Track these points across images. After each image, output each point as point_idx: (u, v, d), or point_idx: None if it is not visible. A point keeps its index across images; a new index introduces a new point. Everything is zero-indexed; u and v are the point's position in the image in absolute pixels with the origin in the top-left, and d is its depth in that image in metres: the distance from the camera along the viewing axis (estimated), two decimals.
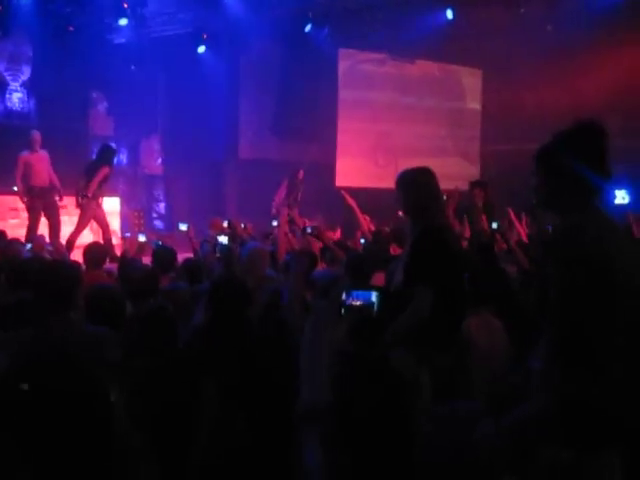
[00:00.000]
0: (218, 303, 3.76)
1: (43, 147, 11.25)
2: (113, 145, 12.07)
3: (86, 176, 10.43)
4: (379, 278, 5.47)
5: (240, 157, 15.27)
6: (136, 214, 13.80)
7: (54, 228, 10.76)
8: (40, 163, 10.90)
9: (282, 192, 14.14)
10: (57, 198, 10.94)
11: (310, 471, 1.57)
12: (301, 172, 14.22)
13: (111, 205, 13.02)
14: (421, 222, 3.82)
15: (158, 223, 15.65)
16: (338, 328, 1.68)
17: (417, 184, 3.97)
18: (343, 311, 1.73)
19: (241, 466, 2.51)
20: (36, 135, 10.95)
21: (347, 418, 1.53)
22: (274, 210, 14.07)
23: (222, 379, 2.95)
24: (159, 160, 16.08)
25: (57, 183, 10.95)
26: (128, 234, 12.23)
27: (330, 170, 15.28)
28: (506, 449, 1.84)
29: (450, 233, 4.02)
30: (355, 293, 1.75)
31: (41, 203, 10.80)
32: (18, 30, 13.24)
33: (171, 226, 14.94)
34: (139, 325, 3.21)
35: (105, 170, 10.46)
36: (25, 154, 10.83)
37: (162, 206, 16.03)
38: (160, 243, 6.64)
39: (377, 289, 1.84)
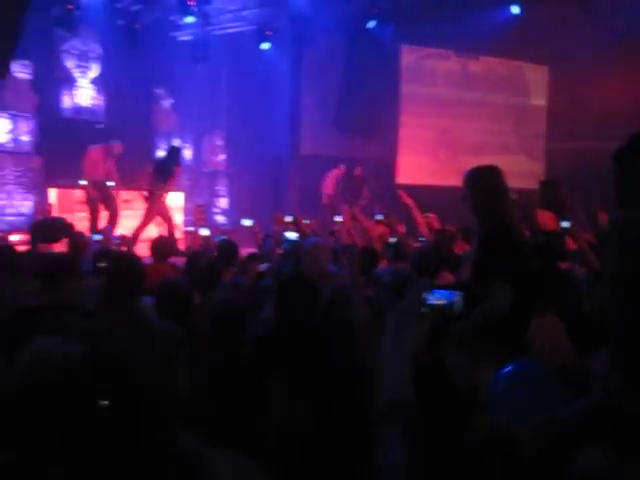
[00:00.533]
0: (287, 299, 3.78)
1: (110, 142, 11.69)
2: (179, 144, 12.37)
3: (156, 174, 10.69)
4: (445, 277, 5.43)
5: (301, 153, 15.33)
6: (199, 209, 13.96)
7: (112, 220, 11.16)
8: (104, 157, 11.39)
9: (329, 184, 14.21)
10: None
11: (391, 468, 1.57)
12: (358, 168, 14.22)
13: (175, 200, 13.25)
14: (489, 221, 3.78)
15: (220, 218, 15.82)
16: (419, 327, 1.67)
17: (485, 183, 3.92)
18: (424, 310, 1.72)
19: (310, 466, 2.51)
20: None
21: (428, 416, 1.54)
22: (325, 200, 14.14)
23: (291, 376, 2.96)
24: (222, 156, 16.25)
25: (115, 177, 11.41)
26: (191, 228, 12.43)
27: (391, 167, 15.21)
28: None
29: (519, 232, 3.96)
30: (437, 292, 1.74)
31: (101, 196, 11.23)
32: (87, 29, 13.60)
33: (233, 221, 15.10)
34: (211, 318, 3.26)
35: (179, 171, 10.83)
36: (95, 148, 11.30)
37: (224, 201, 16.21)
38: (224, 237, 6.71)
39: (459, 288, 1.82)
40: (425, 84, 15.33)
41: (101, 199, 11.44)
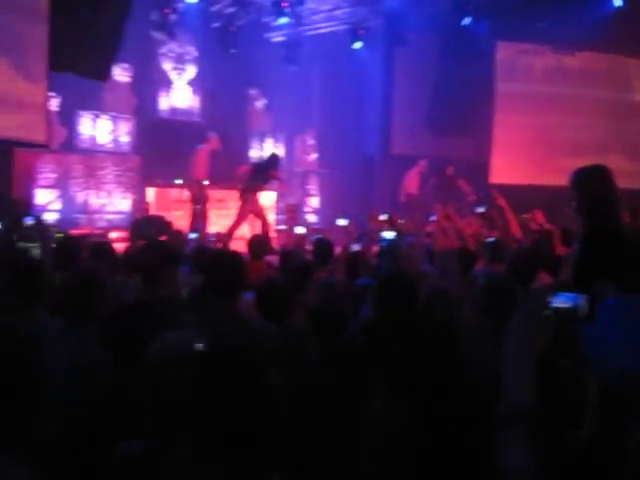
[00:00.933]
0: (387, 298, 3.74)
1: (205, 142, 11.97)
2: (276, 152, 12.64)
3: (253, 175, 10.90)
4: (544, 278, 5.27)
5: (392, 152, 15.25)
6: (291, 208, 14.10)
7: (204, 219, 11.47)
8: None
9: (412, 182, 14.07)
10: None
11: (514, 472, 1.53)
12: (450, 168, 14.02)
13: (268, 199, 13.41)
14: (595, 222, 3.64)
15: (311, 217, 15.92)
16: (543, 330, 1.63)
17: (592, 183, 3.77)
18: (547, 313, 1.68)
19: (411, 469, 2.47)
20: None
21: (552, 420, 1.50)
22: (403, 198, 13.99)
23: (390, 377, 2.92)
24: (313, 155, 16.35)
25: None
26: (283, 227, 12.58)
27: (484, 166, 14.92)
28: None
29: (627, 233, 3.80)
30: (562, 295, 1.69)
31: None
32: (183, 32, 13.94)
33: (324, 220, 15.17)
34: (309, 318, 3.25)
35: (277, 175, 11.04)
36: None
37: (315, 200, 16.30)
38: (320, 236, 6.72)
39: (585, 292, 1.77)
40: (521, 81, 14.96)
41: (202, 198, 11.78)
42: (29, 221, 4.67)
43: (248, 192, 10.85)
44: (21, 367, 1.82)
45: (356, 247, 6.39)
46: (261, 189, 11.24)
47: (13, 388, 1.79)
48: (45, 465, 1.82)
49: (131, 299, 3.97)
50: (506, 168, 14.79)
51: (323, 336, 3.19)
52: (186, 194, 12.34)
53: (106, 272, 3.97)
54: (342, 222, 6.17)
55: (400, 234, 6.47)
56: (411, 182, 14.23)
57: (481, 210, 6.41)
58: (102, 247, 5.29)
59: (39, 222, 4.89)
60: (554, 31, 13.58)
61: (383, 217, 6.97)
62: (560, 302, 1.69)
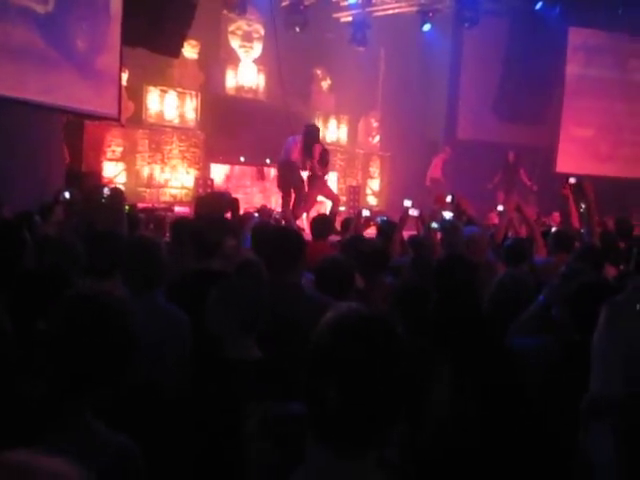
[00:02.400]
0: (445, 279, 3.72)
1: (271, 122, 11.93)
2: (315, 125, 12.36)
3: (305, 155, 10.72)
4: (609, 270, 5.15)
5: (458, 137, 15.06)
6: (352, 190, 14.07)
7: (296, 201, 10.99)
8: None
9: (436, 168, 13.97)
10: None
11: (600, 467, 1.49)
12: (511, 154, 13.80)
13: (329, 180, 13.40)
14: None
15: (372, 199, 15.87)
16: (634, 326, 1.57)
17: None
18: (639, 307, 1.62)
19: (478, 460, 2.44)
20: None
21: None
22: (428, 183, 13.89)
23: (454, 357, 2.89)
24: (376, 137, 16.27)
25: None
26: (343, 208, 12.58)
27: (551, 154, 14.62)
28: None
29: None
30: None
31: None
32: (252, 10, 13.96)
33: (384, 203, 15.12)
34: (396, 300, 3.26)
35: (319, 148, 10.74)
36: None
37: (376, 183, 16.23)
38: (385, 218, 6.68)
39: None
40: (593, 67, 14.55)
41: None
42: (107, 191, 4.76)
43: (314, 174, 10.75)
44: (105, 336, 1.86)
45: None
46: (328, 171, 11.16)
47: (105, 356, 1.84)
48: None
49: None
50: (574, 157, 14.45)
51: (409, 317, 3.19)
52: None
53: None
54: (407, 203, 6.11)
55: (462, 214, 6.41)
56: (436, 167, 14.29)
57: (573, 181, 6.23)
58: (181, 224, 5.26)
59: (118, 193, 4.97)
60: (631, 17, 13.16)
61: (448, 199, 6.91)
62: None
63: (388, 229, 5.85)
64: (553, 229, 7.06)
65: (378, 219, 6.59)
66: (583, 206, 7.10)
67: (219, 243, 4.02)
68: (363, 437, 1.31)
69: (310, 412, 1.33)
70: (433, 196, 11.84)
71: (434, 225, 5.59)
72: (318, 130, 11.45)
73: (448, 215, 6.06)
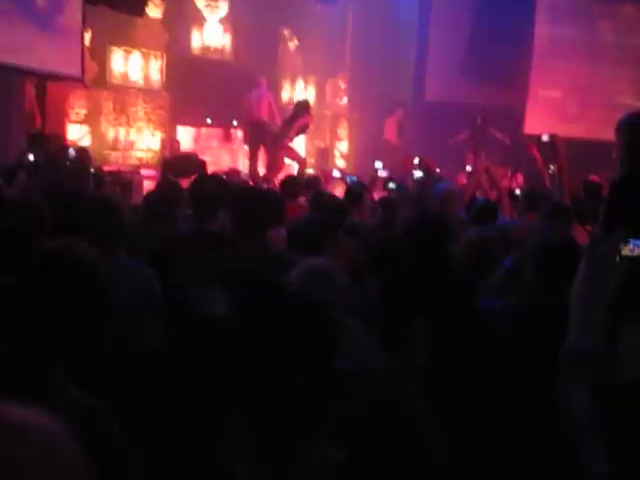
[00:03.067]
0: (421, 239, 3.71)
1: (238, 83, 11.79)
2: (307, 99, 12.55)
3: (286, 123, 10.91)
4: (578, 230, 5.20)
5: (426, 98, 14.99)
6: (320, 152, 13.99)
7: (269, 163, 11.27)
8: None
9: (390, 128, 14.12)
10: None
11: (576, 414, 1.49)
12: (479, 117, 13.84)
13: (297, 142, 13.29)
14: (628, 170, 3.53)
15: (340, 162, 15.80)
16: (613, 275, 1.56)
17: (633, 131, 3.62)
18: (618, 259, 1.61)
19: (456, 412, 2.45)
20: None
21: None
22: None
23: (431, 318, 2.89)
24: (344, 99, 16.14)
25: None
26: (310, 170, 12.51)
27: (519, 116, 14.63)
28: None
29: None
30: (634, 241, 1.62)
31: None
32: None
33: (352, 166, 15.06)
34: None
35: (307, 119, 10.95)
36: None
37: (344, 145, 16.15)
38: (355, 179, 6.66)
39: None
40: (562, 28, 14.49)
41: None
42: (73, 152, 4.65)
43: (278, 140, 10.83)
44: (77, 289, 1.82)
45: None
46: (291, 137, 11.21)
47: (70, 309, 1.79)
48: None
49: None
50: (542, 118, 14.47)
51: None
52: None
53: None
54: (378, 165, 6.08)
55: (431, 174, 6.42)
56: (390, 130, 14.45)
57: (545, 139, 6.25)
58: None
59: (83, 154, 4.86)
60: None
61: (415, 160, 6.91)
62: (631, 249, 1.62)
63: (357, 190, 5.83)
64: (517, 190, 7.12)
65: (347, 179, 6.58)
66: (552, 167, 7.15)
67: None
68: None
69: None
70: (391, 158, 12.00)
71: (391, 185, 5.57)
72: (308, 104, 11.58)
73: (418, 174, 6.06)
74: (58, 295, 1.75)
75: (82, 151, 5.11)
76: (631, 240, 1.61)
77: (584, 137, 13.10)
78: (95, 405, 1.78)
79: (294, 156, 11.27)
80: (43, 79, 10.33)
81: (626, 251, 1.61)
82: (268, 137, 11.09)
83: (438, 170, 6.88)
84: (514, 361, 2.68)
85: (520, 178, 12.20)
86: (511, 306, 3.15)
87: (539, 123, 14.06)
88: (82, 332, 1.79)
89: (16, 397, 0.99)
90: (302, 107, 11.37)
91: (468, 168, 6.78)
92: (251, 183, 7.61)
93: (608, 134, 3.58)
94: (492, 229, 4.75)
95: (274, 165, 10.78)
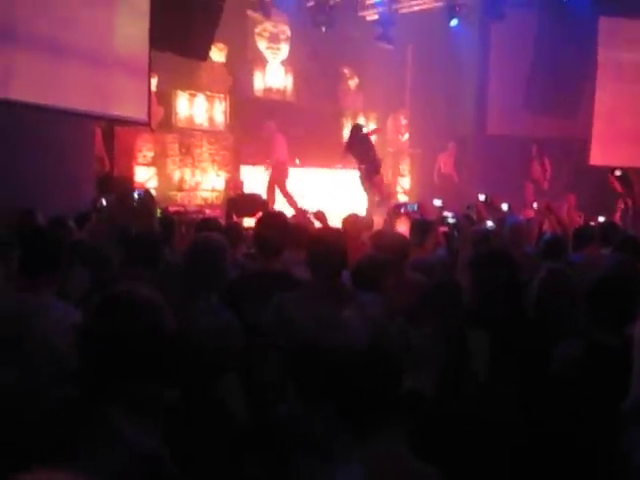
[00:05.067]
0: (482, 269, 3.68)
1: (300, 122, 12.02)
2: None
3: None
4: None
5: (488, 132, 14.90)
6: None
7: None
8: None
9: (446, 163, 14.20)
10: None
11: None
12: (534, 147, 13.79)
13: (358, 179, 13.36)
14: None
15: (402, 197, 15.77)
16: None
17: None
18: None
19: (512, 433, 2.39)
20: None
21: None
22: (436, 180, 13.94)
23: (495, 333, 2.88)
24: (406, 135, 16.17)
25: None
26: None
27: (584, 146, 14.38)
28: None
29: None
30: None
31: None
32: (278, 11, 13.96)
33: (416, 201, 15.00)
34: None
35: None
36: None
37: (406, 181, 16.14)
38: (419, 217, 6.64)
39: None
40: (625, 53, 14.20)
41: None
42: (138, 195, 4.79)
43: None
44: (142, 331, 1.85)
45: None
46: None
47: (136, 350, 1.83)
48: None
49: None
50: (607, 149, 14.17)
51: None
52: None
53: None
54: (437, 203, 6.04)
55: (498, 213, 6.35)
56: (447, 164, 14.69)
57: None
58: (211, 223, 5.38)
59: (149, 196, 4.99)
60: None
61: (481, 197, 6.84)
62: None
63: (422, 226, 5.80)
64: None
65: (409, 207, 6.54)
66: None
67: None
68: None
69: None
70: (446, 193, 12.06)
71: (451, 220, 5.52)
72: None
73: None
74: (118, 340, 1.79)
75: (147, 193, 5.24)
76: None
77: None
78: (154, 452, 1.79)
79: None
80: (111, 123, 10.68)
81: None
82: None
83: (506, 206, 6.79)
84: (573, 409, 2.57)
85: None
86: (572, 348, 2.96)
87: (604, 154, 13.80)
88: (146, 377, 1.82)
89: (76, 451, 1.01)
90: (356, 132, 11.60)
91: (535, 205, 6.69)
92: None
93: None
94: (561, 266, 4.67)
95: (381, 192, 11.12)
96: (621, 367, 1.44)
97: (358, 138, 11.56)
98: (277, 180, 12.30)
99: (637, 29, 14.17)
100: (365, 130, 12.07)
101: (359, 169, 11.50)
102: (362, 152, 11.34)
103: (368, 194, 11.62)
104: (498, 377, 2.71)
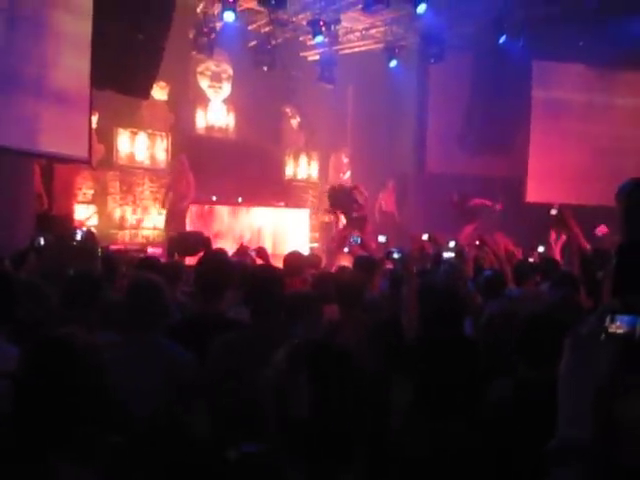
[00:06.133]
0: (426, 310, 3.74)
1: (240, 159, 12.03)
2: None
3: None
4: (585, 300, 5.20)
5: (427, 171, 15.20)
6: (325, 226, 14.09)
7: None
8: None
9: (389, 201, 14.45)
10: None
11: None
12: (454, 195, 13.89)
13: (301, 216, 13.43)
14: (631, 233, 3.52)
15: None
16: (602, 356, 1.45)
17: (633, 196, 3.61)
18: (603, 337, 1.48)
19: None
20: None
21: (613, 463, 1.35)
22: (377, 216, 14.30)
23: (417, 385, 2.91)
24: (347, 173, 16.37)
25: None
26: (315, 244, 12.58)
27: (520, 185, 14.80)
28: None
29: None
30: (620, 318, 1.46)
31: None
32: (220, 51, 14.07)
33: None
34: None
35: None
36: None
37: None
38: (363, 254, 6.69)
39: None
40: (558, 91, 14.75)
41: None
42: (79, 235, 4.72)
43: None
44: (83, 374, 1.84)
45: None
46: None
47: (77, 395, 1.80)
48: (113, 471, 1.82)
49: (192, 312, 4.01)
50: (543, 186, 14.61)
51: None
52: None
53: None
54: (381, 239, 6.12)
55: (441, 251, 6.44)
56: (388, 202, 14.92)
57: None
58: (150, 262, 5.34)
59: (91, 236, 4.92)
60: (594, 48, 13.41)
61: (425, 237, 6.94)
62: (616, 326, 1.48)
63: (365, 262, 5.84)
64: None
65: (352, 240, 6.58)
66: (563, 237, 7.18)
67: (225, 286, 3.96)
68: None
69: None
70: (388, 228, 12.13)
71: (395, 255, 5.58)
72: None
73: (449, 254, 6.06)
74: (49, 383, 1.78)
75: (89, 233, 5.17)
76: (617, 316, 1.50)
77: (586, 203, 13.16)
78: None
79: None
80: (51, 160, 10.52)
81: (612, 328, 1.50)
82: None
83: (452, 243, 6.90)
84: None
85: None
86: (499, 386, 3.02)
87: (539, 191, 14.21)
88: (87, 422, 1.80)
89: None
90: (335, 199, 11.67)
91: (477, 242, 6.80)
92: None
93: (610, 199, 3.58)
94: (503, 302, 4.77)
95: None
96: (548, 406, 1.46)
97: (342, 193, 11.63)
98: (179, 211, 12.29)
99: (567, 72, 14.77)
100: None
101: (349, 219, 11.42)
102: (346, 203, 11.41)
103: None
104: (423, 413, 2.72)
